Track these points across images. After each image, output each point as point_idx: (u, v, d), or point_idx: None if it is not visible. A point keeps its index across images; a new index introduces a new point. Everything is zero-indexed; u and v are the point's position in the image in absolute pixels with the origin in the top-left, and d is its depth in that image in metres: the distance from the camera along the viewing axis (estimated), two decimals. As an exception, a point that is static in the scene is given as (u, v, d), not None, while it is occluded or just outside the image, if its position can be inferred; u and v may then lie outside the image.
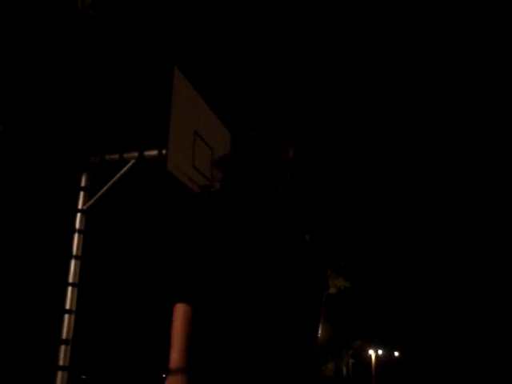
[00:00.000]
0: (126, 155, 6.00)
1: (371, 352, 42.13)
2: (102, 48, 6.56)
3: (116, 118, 9.05)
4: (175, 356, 1.73)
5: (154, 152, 5.87)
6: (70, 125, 7.59)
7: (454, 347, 43.91)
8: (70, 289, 5.71)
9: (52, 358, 5.70)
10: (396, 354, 47.20)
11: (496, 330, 41.74)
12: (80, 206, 5.94)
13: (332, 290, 19.36)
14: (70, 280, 5.73)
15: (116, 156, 6.04)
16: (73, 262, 5.79)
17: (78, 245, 5.85)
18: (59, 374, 5.52)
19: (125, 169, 5.92)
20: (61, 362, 5.54)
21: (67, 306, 5.66)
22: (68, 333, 5.62)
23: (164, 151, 5.54)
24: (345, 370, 37.34)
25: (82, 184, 6.02)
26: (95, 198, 5.98)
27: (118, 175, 5.93)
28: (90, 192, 6.04)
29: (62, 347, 5.57)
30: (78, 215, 5.92)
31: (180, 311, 1.77)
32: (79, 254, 5.85)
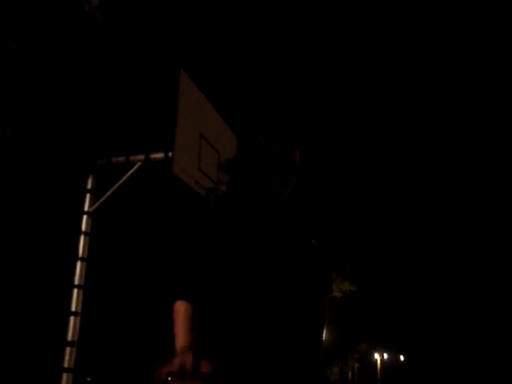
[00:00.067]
0: (132, 158, 6.01)
1: (377, 356, 42.00)
2: (108, 51, 6.58)
3: (122, 120, 9.07)
4: (181, 340, 1.72)
5: (160, 155, 5.87)
6: (77, 127, 7.61)
7: (459, 352, 43.70)
8: (75, 291, 5.72)
9: (57, 359, 5.71)
10: (401, 358, 47.04)
11: (502, 335, 41.52)
12: (86, 209, 5.95)
13: (338, 294, 19.31)
14: (76, 282, 5.74)
15: (122, 158, 6.05)
16: (78, 264, 5.80)
17: (83, 247, 5.86)
18: (64, 375, 5.53)
19: (131, 171, 5.93)
20: (66, 364, 5.54)
21: (73, 308, 5.67)
22: (73, 335, 5.62)
23: (170, 154, 5.55)
24: (350, 373, 37.23)
25: (89, 186, 6.03)
26: (101, 201, 5.99)
27: (124, 178, 5.94)
28: (96, 194, 6.05)
29: (68, 349, 5.57)
30: (84, 217, 5.93)
31: (181, 308, 1.77)
32: (85, 256, 5.86)
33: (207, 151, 5.89)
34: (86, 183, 6.05)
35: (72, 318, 5.65)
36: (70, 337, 5.61)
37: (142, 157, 5.96)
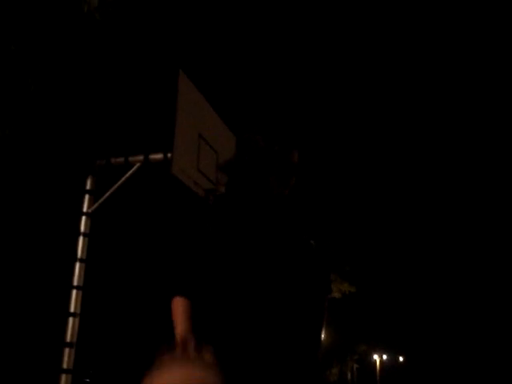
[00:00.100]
0: (131, 158, 6.01)
1: (376, 357, 42.02)
2: (107, 51, 6.57)
3: (121, 121, 9.06)
4: (181, 327, 1.73)
5: (159, 155, 5.88)
6: (76, 128, 7.61)
7: (458, 353, 43.72)
8: (74, 292, 5.71)
9: (56, 360, 5.71)
10: (401, 359, 47.05)
11: (501, 335, 41.55)
12: (85, 209, 5.95)
13: (337, 295, 19.33)
14: (75, 283, 5.74)
15: (121, 159, 6.06)
16: (77, 265, 5.80)
17: (82, 248, 5.86)
18: (63, 376, 5.52)
19: (130, 172, 5.93)
20: (65, 365, 5.54)
21: (71, 309, 5.67)
22: (72, 336, 5.62)
23: (169, 155, 5.55)
24: (349, 374, 37.21)
25: (87, 187, 6.03)
26: (100, 201, 5.99)
27: (123, 178, 5.94)
28: (95, 195, 6.05)
29: (66, 350, 5.57)
30: (83, 218, 5.93)
31: (180, 302, 1.78)
32: (84, 257, 5.85)
33: (206, 152, 5.89)
34: (84, 184, 6.05)
35: (71, 319, 5.65)
36: (68, 338, 5.60)
37: (141, 157, 5.96)
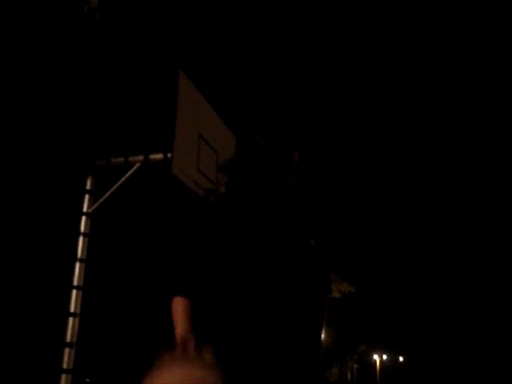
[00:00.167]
0: (131, 158, 6.01)
1: (376, 357, 42.01)
2: (107, 51, 6.57)
3: (121, 121, 9.06)
4: (181, 326, 1.73)
5: (159, 155, 5.88)
6: (76, 128, 7.61)
7: (458, 353, 43.71)
8: (74, 292, 5.71)
9: (56, 360, 5.71)
10: (401, 359, 47.04)
11: (501, 335, 41.55)
12: (85, 209, 5.95)
13: (337, 295, 19.33)
14: (75, 283, 5.74)
15: (121, 159, 6.06)
16: (77, 265, 5.80)
17: (82, 248, 5.86)
18: (63, 376, 5.52)
19: (130, 172, 5.93)
20: (65, 365, 5.54)
21: (72, 309, 5.67)
22: (72, 336, 5.62)
23: (169, 155, 5.55)
24: (349, 374, 37.20)
25: (87, 187, 6.03)
26: (100, 201, 5.99)
27: (123, 178, 5.94)
28: (95, 195, 6.05)
29: (66, 350, 5.57)
30: (83, 218, 5.93)
31: (180, 302, 1.78)
32: (84, 257, 5.85)
33: (206, 152, 5.89)
34: (85, 184, 6.05)
35: (71, 319, 5.65)
36: (68, 338, 5.60)
37: (141, 157, 5.96)
